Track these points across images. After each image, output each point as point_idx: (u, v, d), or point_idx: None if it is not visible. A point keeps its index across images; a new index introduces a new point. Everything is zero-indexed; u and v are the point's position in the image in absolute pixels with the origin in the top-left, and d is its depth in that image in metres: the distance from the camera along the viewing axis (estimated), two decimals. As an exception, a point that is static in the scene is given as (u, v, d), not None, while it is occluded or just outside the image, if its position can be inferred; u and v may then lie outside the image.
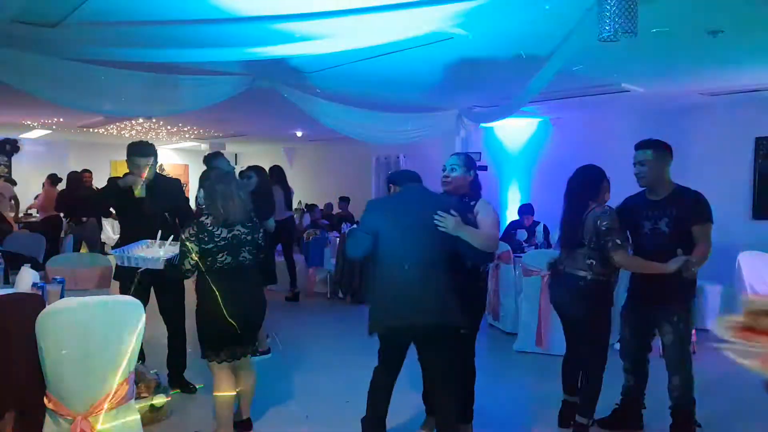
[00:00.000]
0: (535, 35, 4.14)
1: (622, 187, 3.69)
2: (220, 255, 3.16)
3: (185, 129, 10.87)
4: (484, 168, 5.68)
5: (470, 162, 3.46)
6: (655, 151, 3.50)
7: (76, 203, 8.43)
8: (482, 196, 3.42)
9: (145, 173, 3.93)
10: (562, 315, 3.63)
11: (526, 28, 4.02)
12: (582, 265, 3.35)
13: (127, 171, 4.03)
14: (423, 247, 3.00)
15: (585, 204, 3.40)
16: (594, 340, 3.42)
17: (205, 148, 13.63)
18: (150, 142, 4.19)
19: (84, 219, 8.55)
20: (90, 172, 9.58)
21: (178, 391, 4.12)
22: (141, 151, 3.98)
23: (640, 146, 3.56)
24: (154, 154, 4.06)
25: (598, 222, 3.27)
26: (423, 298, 2.95)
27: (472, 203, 3.31)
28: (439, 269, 3.01)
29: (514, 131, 8.87)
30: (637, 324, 3.55)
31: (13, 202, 9.34)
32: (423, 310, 2.94)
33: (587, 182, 3.47)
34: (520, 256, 5.89)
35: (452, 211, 3.01)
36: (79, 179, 8.87)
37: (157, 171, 4.15)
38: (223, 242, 3.17)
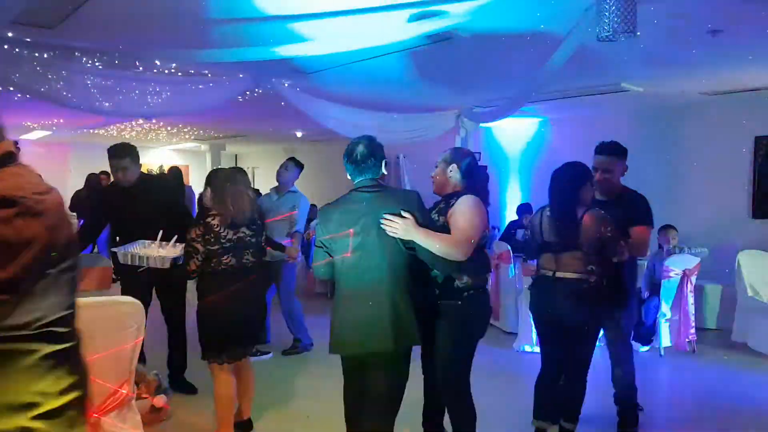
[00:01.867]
0: (535, 35, 4.14)
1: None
2: (225, 257, 3.17)
3: (185, 130, 10.87)
4: (484, 168, 5.67)
5: (455, 156, 2.97)
6: (619, 156, 3.52)
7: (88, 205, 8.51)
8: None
9: (122, 176, 3.89)
10: (554, 325, 3.31)
11: (525, 28, 4.02)
12: (580, 269, 3.16)
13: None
14: (375, 258, 2.57)
15: (576, 203, 3.18)
16: (587, 346, 3.31)
17: (205, 148, 13.62)
18: (129, 143, 4.09)
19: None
20: (107, 174, 9.50)
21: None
22: (114, 152, 3.92)
23: (607, 151, 3.52)
24: (130, 155, 3.94)
25: (603, 229, 3.10)
26: (370, 320, 2.57)
27: (452, 202, 2.81)
28: (394, 283, 2.57)
29: (514, 131, 8.87)
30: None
31: None
32: (369, 335, 2.59)
33: (577, 179, 3.23)
34: (520, 256, 5.89)
35: (403, 212, 2.54)
36: (96, 181, 8.87)
37: (151, 171, 4.15)
38: (228, 244, 3.17)
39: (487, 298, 3.03)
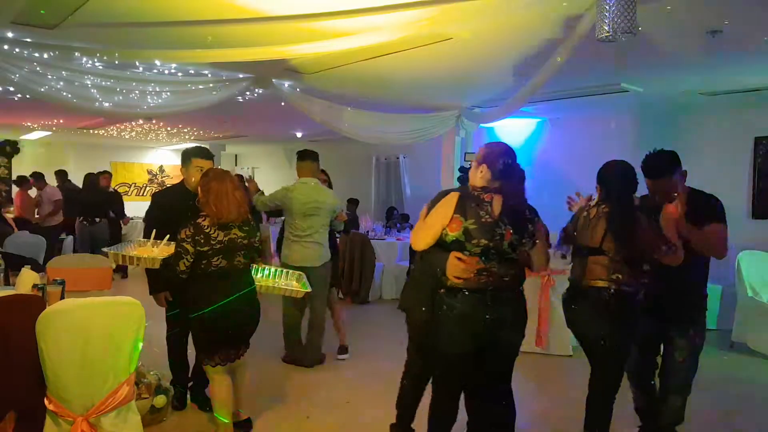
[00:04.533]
0: (535, 35, 4.14)
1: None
2: (215, 258, 3.13)
3: (185, 130, 10.87)
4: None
5: (485, 157, 2.69)
6: (671, 172, 3.08)
7: (91, 204, 8.67)
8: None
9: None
10: (588, 336, 3.06)
11: (525, 28, 4.02)
12: (604, 275, 2.91)
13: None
14: None
15: (632, 202, 2.93)
16: (612, 367, 3.00)
17: (205, 148, 13.62)
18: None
19: (98, 220, 8.67)
20: (109, 173, 9.78)
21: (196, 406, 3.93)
22: (207, 154, 3.75)
23: (656, 174, 3.07)
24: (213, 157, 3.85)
25: (638, 232, 2.85)
26: None
27: None
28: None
29: (514, 131, 8.87)
30: (646, 340, 3.21)
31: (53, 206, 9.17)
32: None
33: (631, 178, 2.96)
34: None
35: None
36: (95, 181, 8.97)
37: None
38: (218, 245, 3.13)
39: (462, 304, 2.60)
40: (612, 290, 2.87)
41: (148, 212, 3.87)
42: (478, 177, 2.65)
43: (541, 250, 2.75)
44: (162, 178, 14.34)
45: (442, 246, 2.60)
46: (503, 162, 2.62)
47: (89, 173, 9.16)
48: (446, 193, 2.74)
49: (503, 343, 2.74)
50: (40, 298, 2.92)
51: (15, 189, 10.22)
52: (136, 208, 11.01)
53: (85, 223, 8.63)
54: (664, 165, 3.04)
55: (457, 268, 2.53)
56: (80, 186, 9.20)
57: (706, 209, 3.07)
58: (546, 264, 2.84)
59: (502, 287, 2.59)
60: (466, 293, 2.57)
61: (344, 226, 5.41)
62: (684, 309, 3.18)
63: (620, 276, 2.88)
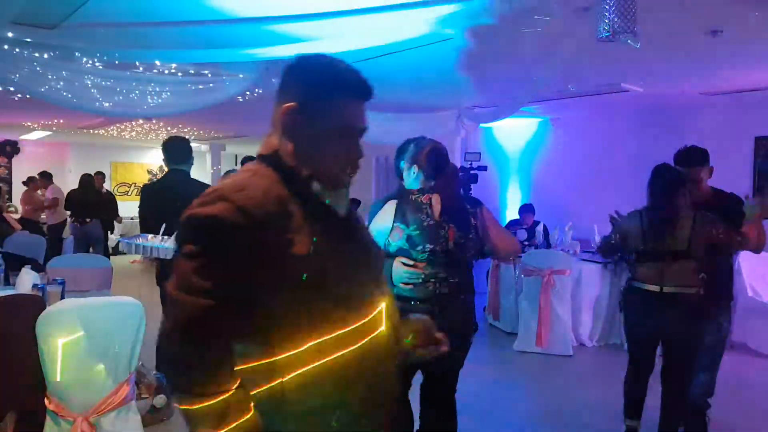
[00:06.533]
0: (535, 36, 4.14)
1: (622, 186, 3.66)
2: None
3: (185, 130, 10.87)
4: (484, 168, 5.67)
5: (414, 154, 2.74)
6: (703, 163, 3.35)
7: (85, 205, 8.72)
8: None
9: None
10: (656, 341, 3.23)
11: (525, 28, 4.02)
12: (692, 281, 3.03)
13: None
14: None
15: (682, 207, 3.07)
16: (693, 360, 3.19)
17: (205, 149, 13.62)
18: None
19: (88, 220, 8.70)
20: (102, 174, 9.82)
21: None
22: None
23: (689, 162, 3.28)
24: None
25: (714, 232, 3.00)
26: None
27: None
28: None
29: (514, 131, 8.87)
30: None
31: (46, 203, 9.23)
32: None
33: (681, 182, 3.10)
34: (521, 256, 5.89)
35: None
36: (90, 182, 9.01)
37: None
38: None
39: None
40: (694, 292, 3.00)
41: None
42: (411, 179, 2.59)
43: (499, 235, 2.63)
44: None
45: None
46: (434, 160, 2.56)
47: (85, 174, 9.21)
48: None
49: (450, 354, 2.63)
50: (40, 298, 2.92)
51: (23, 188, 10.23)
52: (136, 207, 11.03)
53: (76, 224, 8.72)
54: (690, 156, 3.29)
55: (404, 274, 2.43)
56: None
57: (732, 212, 3.20)
58: (512, 246, 2.75)
59: (451, 293, 2.46)
60: (412, 303, 2.40)
61: None
62: (715, 299, 3.29)
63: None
